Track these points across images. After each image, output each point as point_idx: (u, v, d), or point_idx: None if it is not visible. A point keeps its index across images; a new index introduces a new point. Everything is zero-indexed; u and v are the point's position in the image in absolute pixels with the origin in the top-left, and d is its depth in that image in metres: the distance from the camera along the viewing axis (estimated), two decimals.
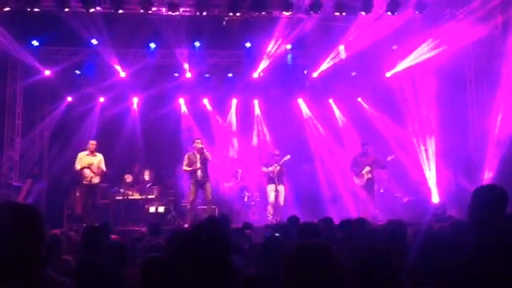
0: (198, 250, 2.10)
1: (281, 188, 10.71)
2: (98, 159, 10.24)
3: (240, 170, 12.44)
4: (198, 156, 10.15)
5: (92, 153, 10.19)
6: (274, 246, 3.56)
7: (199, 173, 10.10)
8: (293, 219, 6.10)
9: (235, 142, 13.37)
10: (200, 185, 10.16)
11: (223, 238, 2.21)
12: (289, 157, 10.72)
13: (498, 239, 2.06)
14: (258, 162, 12.03)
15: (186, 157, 10.34)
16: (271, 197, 10.62)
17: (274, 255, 3.32)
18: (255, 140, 13.48)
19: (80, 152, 10.29)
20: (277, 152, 11.17)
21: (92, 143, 10.29)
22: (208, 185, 10.20)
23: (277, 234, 4.36)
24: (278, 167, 10.67)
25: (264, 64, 12.07)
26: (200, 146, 10.18)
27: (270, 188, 10.70)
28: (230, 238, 2.34)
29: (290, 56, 12.20)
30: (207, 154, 10.16)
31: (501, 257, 2.06)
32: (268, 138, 13.17)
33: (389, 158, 10.85)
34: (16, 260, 1.88)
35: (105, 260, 3.80)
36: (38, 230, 1.96)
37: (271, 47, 11.61)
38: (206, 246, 2.10)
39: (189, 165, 10.19)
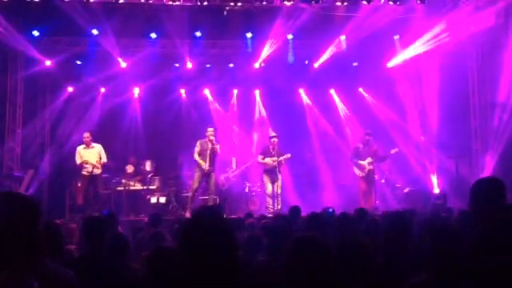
0: (198, 238, 2.09)
1: (278, 177, 10.44)
2: (97, 151, 10.19)
3: (234, 158, 12.37)
4: (210, 145, 10.04)
5: (88, 145, 10.16)
6: (279, 236, 3.58)
7: (207, 162, 9.99)
8: (294, 209, 6.13)
9: (236, 131, 13.33)
10: (206, 174, 10.05)
11: (222, 224, 2.18)
12: (289, 155, 10.44)
13: (498, 231, 2.08)
14: (257, 153, 11.90)
15: (198, 143, 10.13)
16: (268, 188, 10.41)
17: (280, 245, 3.34)
18: (256, 130, 13.42)
19: (78, 146, 10.28)
20: (273, 134, 10.89)
21: (86, 136, 10.19)
22: (213, 175, 10.10)
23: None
24: (276, 163, 10.35)
25: (265, 54, 12.02)
26: (212, 137, 10.02)
27: (267, 179, 10.50)
28: (229, 224, 2.29)
29: (291, 54, 12.08)
30: (217, 147, 10.04)
31: (500, 248, 2.07)
32: (268, 127, 13.11)
33: (392, 151, 10.62)
34: (13, 250, 1.87)
35: (105, 250, 3.81)
36: (34, 220, 1.95)
37: (272, 37, 11.56)
38: (206, 233, 2.08)
39: (200, 152, 10.04)
